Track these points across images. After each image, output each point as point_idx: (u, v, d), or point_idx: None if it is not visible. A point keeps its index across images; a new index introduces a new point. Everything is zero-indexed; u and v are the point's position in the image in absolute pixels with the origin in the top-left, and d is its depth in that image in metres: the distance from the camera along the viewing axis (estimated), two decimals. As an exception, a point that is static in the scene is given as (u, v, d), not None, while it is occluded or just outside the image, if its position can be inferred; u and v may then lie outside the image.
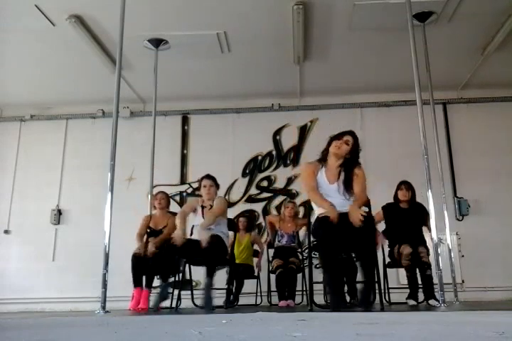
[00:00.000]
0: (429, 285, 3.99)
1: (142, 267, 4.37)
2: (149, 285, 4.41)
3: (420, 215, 4.21)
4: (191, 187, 6.49)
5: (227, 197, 6.37)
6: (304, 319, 1.77)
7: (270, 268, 5.19)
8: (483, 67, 5.91)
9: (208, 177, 4.28)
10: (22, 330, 1.64)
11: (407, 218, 4.29)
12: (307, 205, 5.08)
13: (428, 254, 4.04)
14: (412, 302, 4.12)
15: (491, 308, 3.08)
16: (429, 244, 3.99)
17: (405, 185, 4.45)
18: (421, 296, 4.43)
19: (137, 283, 4.34)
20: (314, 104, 6.63)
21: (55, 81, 6.16)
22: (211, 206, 4.16)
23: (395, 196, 4.46)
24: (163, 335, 1.31)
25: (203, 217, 4.12)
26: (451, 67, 5.88)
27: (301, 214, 5.59)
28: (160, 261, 4.02)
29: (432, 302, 3.93)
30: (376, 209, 4.14)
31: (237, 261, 4.87)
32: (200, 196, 4.33)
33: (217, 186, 4.30)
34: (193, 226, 4.18)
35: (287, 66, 5.84)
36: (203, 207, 4.20)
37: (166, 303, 4.60)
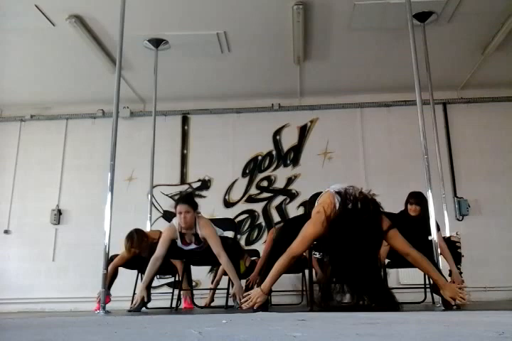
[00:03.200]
0: None
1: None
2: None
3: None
4: (191, 187, 6.49)
5: (227, 197, 6.38)
6: (304, 319, 1.77)
7: None
8: (483, 67, 5.91)
9: (183, 200, 3.72)
10: (22, 330, 1.64)
11: (415, 229, 4.00)
12: (307, 204, 5.08)
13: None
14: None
15: (491, 308, 3.08)
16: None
17: (415, 199, 4.09)
18: (421, 296, 4.45)
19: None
20: (314, 104, 6.63)
21: (55, 81, 6.17)
22: (194, 236, 3.72)
23: (406, 208, 4.14)
24: (163, 335, 1.31)
25: (186, 243, 3.75)
26: (451, 67, 5.88)
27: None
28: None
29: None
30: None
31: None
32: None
33: (194, 208, 3.68)
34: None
35: (287, 66, 5.84)
36: (182, 235, 3.74)
37: (166, 303, 4.62)
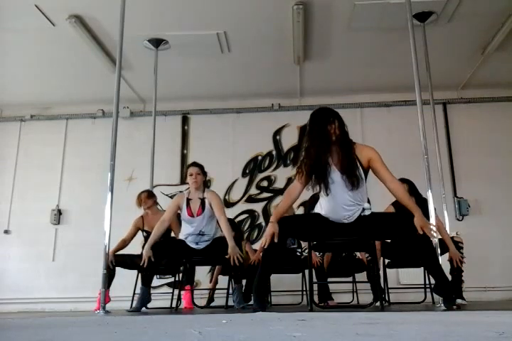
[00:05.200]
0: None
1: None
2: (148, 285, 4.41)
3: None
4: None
5: (227, 197, 6.38)
6: (304, 319, 1.77)
7: None
8: (483, 67, 5.91)
9: (195, 164, 4.02)
10: (22, 330, 1.64)
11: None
12: (307, 204, 5.08)
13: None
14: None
15: (491, 308, 3.08)
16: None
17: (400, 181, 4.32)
18: (421, 296, 4.44)
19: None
20: (314, 104, 6.60)
21: (55, 81, 6.16)
22: (200, 200, 3.89)
23: None
24: (163, 335, 1.31)
25: (190, 213, 3.86)
26: (451, 67, 5.88)
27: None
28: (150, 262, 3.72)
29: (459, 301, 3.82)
30: (385, 206, 4.12)
31: None
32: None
33: (204, 174, 4.02)
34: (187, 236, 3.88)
35: (287, 66, 5.84)
36: (188, 202, 3.91)
37: (166, 303, 4.63)
